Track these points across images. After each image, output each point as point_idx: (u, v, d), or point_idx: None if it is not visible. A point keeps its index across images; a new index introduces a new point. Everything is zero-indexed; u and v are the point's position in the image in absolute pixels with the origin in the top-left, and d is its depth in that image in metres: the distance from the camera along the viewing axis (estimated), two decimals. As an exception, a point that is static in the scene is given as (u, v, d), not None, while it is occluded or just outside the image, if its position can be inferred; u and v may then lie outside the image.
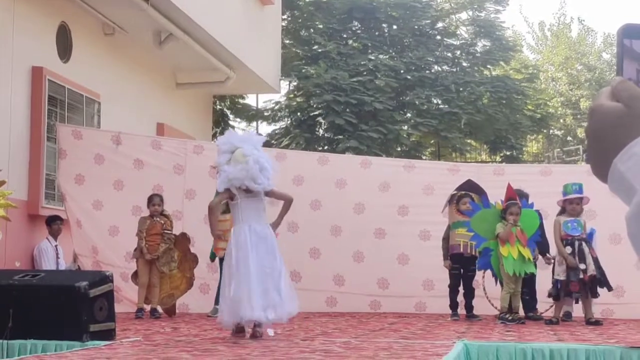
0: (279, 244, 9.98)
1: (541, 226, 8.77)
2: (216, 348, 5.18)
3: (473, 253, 8.68)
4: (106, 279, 6.23)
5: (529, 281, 8.86)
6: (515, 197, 8.33)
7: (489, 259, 8.37)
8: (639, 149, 1.05)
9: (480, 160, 22.79)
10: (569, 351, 5.61)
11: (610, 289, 8.20)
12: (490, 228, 8.27)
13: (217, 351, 4.97)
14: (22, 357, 5.09)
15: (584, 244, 8.12)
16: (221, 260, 9.18)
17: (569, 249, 8.09)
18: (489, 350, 5.64)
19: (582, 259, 8.04)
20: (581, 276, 7.99)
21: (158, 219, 9.17)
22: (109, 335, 6.03)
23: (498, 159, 22.04)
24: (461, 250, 8.66)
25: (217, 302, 9.21)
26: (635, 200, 1.03)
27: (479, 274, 9.06)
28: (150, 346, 5.39)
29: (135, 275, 9.25)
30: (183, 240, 9.39)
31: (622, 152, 1.07)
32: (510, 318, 8.10)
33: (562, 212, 8.42)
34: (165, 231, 9.15)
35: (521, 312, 8.77)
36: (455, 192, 9.05)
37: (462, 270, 8.85)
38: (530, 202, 8.79)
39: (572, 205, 8.31)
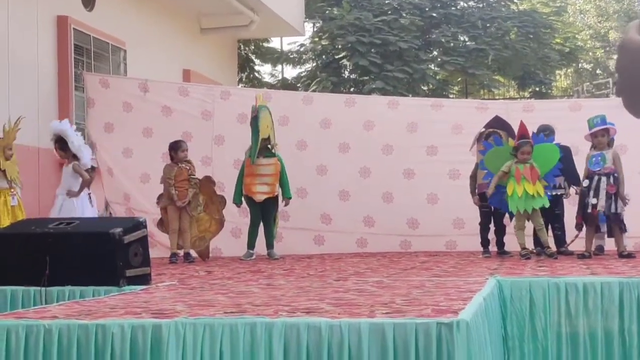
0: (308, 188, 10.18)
1: (569, 160, 8.72)
2: (251, 290, 5.25)
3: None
4: (140, 225, 6.31)
5: (559, 216, 8.85)
6: (528, 135, 8.24)
7: (502, 196, 8.32)
8: None
9: (508, 97, 22.55)
10: (603, 284, 5.61)
11: (623, 230, 8.15)
12: (502, 165, 8.21)
13: (251, 293, 5.04)
14: (61, 302, 5.19)
15: (603, 179, 8.04)
16: (255, 203, 9.29)
17: (586, 183, 8.12)
18: (522, 285, 5.65)
19: (597, 194, 8.00)
20: (589, 210, 7.98)
21: (183, 165, 9.22)
22: (144, 280, 6.13)
23: (527, 94, 21.82)
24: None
25: (249, 246, 9.32)
26: None
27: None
28: (186, 289, 5.48)
29: (161, 223, 9.33)
30: (207, 183, 9.44)
31: None
32: (523, 254, 8.10)
33: (594, 147, 8.36)
34: (191, 176, 9.21)
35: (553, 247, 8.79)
36: (483, 129, 8.97)
37: (492, 208, 8.81)
38: (554, 137, 8.72)
39: (597, 138, 8.23)
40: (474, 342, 3.66)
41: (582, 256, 8.10)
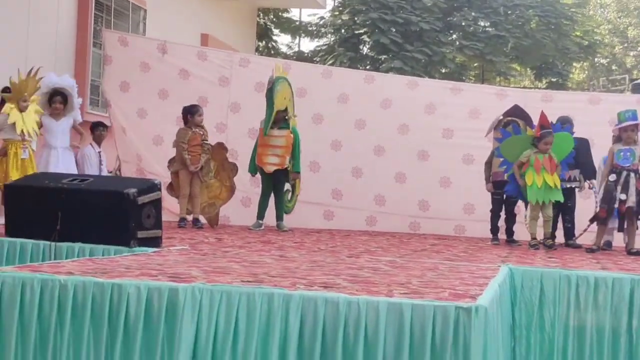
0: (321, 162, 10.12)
1: (586, 153, 8.67)
2: (264, 260, 5.24)
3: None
4: (154, 187, 6.29)
5: (570, 209, 8.81)
6: (548, 125, 8.16)
7: (518, 185, 8.26)
8: None
9: (523, 85, 22.44)
10: (614, 280, 5.58)
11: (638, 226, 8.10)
12: (519, 154, 8.12)
13: (265, 263, 5.02)
14: (75, 259, 5.18)
15: (632, 174, 7.94)
16: (266, 174, 9.26)
17: (613, 177, 7.95)
18: (534, 275, 5.64)
19: (625, 189, 7.89)
20: (616, 205, 7.87)
21: (197, 129, 9.17)
22: (155, 242, 6.12)
23: (542, 85, 21.70)
24: (505, 177, 8.56)
25: (259, 216, 9.30)
26: None
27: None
28: (198, 255, 5.46)
29: (170, 187, 9.30)
30: (219, 150, 9.41)
31: None
32: (533, 244, 8.07)
33: (618, 140, 8.24)
34: (204, 142, 9.17)
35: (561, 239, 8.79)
36: (501, 117, 8.91)
37: (504, 196, 8.77)
38: (572, 129, 8.66)
39: (627, 133, 8.07)
40: (491, 329, 3.65)
41: (590, 250, 8.07)
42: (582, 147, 8.66)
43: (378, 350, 3.54)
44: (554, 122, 8.45)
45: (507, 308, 5.26)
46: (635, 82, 19.98)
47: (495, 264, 5.94)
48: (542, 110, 8.29)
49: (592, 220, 8.43)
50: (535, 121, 8.63)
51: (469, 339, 3.48)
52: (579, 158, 8.49)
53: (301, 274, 4.44)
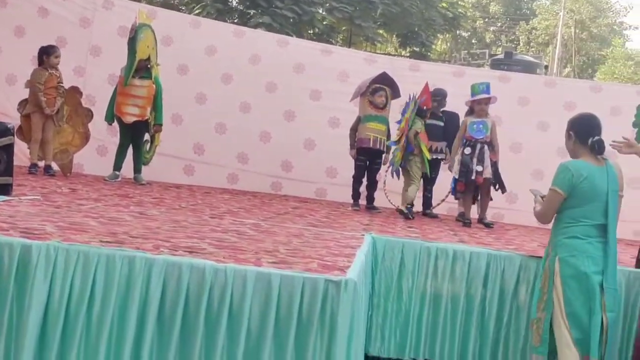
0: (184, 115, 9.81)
1: (455, 126, 8.78)
2: (123, 218, 4.98)
3: (381, 147, 8.61)
4: (7, 131, 5.91)
5: (434, 180, 8.95)
6: (429, 100, 8.22)
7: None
8: None
9: (387, 52, 22.70)
10: (472, 254, 5.71)
11: (504, 190, 8.21)
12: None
13: (124, 221, 4.77)
14: None
15: (485, 147, 8.01)
16: (125, 124, 8.87)
17: (468, 150, 8.01)
18: (395, 245, 5.68)
19: (481, 161, 7.98)
20: (473, 177, 7.95)
21: (54, 71, 8.67)
22: (5, 190, 5.74)
23: (406, 53, 22.03)
24: (370, 145, 8.56)
25: (116, 167, 8.94)
26: None
27: (382, 167, 9.03)
28: (51, 207, 5.14)
29: (20, 131, 8.75)
30: (73, 94, 8.92)
31: None
32: (404, 210, 8.18)
33: (470, 112, 8.31)
34: (60, 84, 8.69)
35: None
36: (369, 84, 8.84)
37: (367, 162, 8.78)
38: (446, 103, 8.77)
39: (479, 105, 8.14)
40: (357, 302, 3.60)
41: (467, 223, 8.13)
42: (452, 120, 8.76)
43: (243, 320, 3.43)
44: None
45: (369, 278, 5.26)
46: (495, 57, 20.62)
47: (358, 232, 5.93)
48: (427, 82, 8.31)
49: (454, 195, 8.54)
50: (403, 90, 8.69)
51: (336, 312, 3.43)
52: (448, 131, 8.56)
53: (164, 236, 4.24)
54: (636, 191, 9.21)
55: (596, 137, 4.93)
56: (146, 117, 8.84)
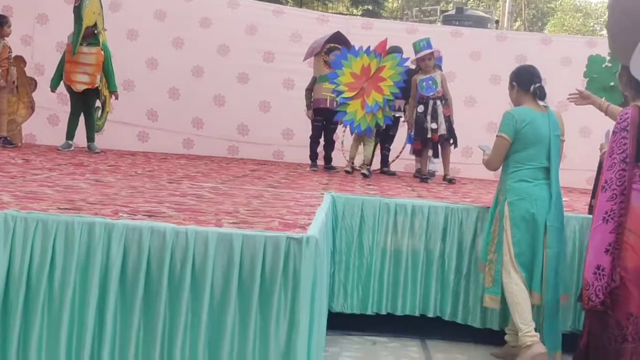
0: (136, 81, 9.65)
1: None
2: (79, 185, 4.92)
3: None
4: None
5: (392, 138, 8.98)
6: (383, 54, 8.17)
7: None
8: None
9: (338, 12, 22.57)
10: (430, 208, 5.77)
11: (456, 145, 8.25)
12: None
13: (80, 189, 4.72)
14: None
15: (438, 102, 8.01)
16: (75, 92, 8.73)
17: (421, 108, 8.00)
18: (355, 203, 5.71)
19: (435, 118, 7.99)
20: (429, 135, 7.97)
21: (5, 41, 8.48)
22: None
23: (358, 12, 21.94)
24: (327, 105, 8.53)
25: (68, 136, 8.82)
26: None
27: (340, 127, 9.02)
28: (5, 177, 5.05)
29: None
30: (18, 63, 8.77)
31: None
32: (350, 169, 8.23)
33: (418, 70, 8.31)
34: (10, 54, 8.52)
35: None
36: (324, 44, 8.78)
37: (324, 122, 8.77)
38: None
39: (424, 62, 8.10)
40: (319, 258, 3.61)
41: (424, 179, 8.18)
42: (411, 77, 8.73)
43: (206, 281, 3.43)
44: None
45: (330, 236, 5.29)
46: (446, 13, 20.63)
47: (317, 191, 5.94)
48: (385, 38, 8.23)
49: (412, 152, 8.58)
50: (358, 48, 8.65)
51: (299, 269, 3.44)
52: (408, 89, 8.55)
53: (122, 202, 4.21)
54: (587, 140, 9.38)
55: (537, 84, 5.19)
56: (96, 85, 8.72)
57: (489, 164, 5.30)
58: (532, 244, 5.05)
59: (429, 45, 8.15)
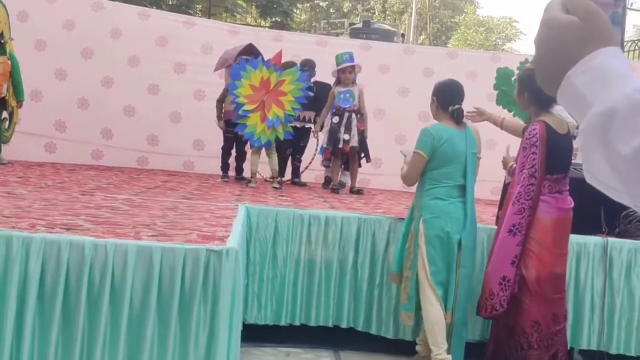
0: (44, 91, 9.47)
1: (326, 97, 8.90)
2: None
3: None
4: None
5: (303, 149, 9.09)
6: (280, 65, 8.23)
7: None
8: (596, 63, 1.05)
9: (246, 23, 22.63)
10: (343, 219, 5.88)
11: (368, 159, 8.41)
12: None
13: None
14: None
15: (353, 115, 8.16)
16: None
17: (336, 119, 8.14)
18: (269, 214, 5.76)
19: (349, 130, 8.14)
20: (340, 145, 8.10)
21: None
22: None
23: (266, 23, 22.03)
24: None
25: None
26: (592, 112, 1.03)
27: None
28: None
29: None
30: None
31: (577, 65, 1.06)
32: (247, 183, 8.27)
33: (338, 82, 8.46)
34: None
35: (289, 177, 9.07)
36: (237, 55, 8.79)
37: (236, 134, 8.77)
38: (313, 73, 8.79)
39: (344, 74, 8.27)
40: (239, 269, 3.67)
41: (335, 189, 8.29)
42: (323, 90, 8.86)
43: (125, 294, 3.44)
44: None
45: (244, 247, 5.34)
46: (353, 26, 20.92)
47: (231, 202, 5.98)
48: (281, 50, 8.31)
49: (323, 163, 8.68)
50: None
51: (219, 281, 3.48)
52: (318, 101, 8.65)
53: (37, 214, 4.16)
54: (493, 152, 9.70)
55: (456, 106, 5.19)
56: (3, 95, 8.55)
57: (405, 179, 5.27)
58: (447, 262, 5.08)
59: (352, 59, 8.31)
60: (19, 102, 8.74)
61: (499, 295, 4.88)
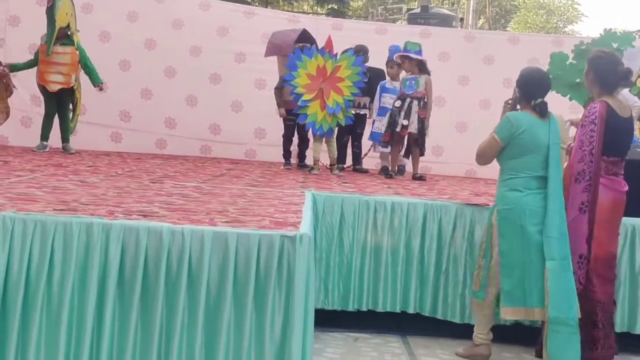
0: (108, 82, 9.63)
1: (379, 83, 8.91)
2: (65, 186, 4.96)
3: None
4: None
5: (360, 135, 9.10)
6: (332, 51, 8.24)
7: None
8: None
9: (302, 10, 22.67)
10: (409, 205, 5.86)
11: (422, 151, 8.39)
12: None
13: (69, 190, 4.76)
14: None
15: (415, 102, 8.18)
16: (50, 93, 8.72)
17: (398, 103, 8.20)
18: (335, 200, 5.79)
19: (408, 115, 8.16)
20: (398, 129, 8.14)
21: None
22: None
23: (322, 11, 22.03)
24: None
25: (43, 137, 8.81)
26: None
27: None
28: (-10, 180, 5.08)
29: None
30: None
31: None
32: (309, 170, 8.30)
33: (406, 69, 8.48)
34: None
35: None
36: (294, 44, 8.83)
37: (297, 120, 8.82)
38: (366, 58, 8.79)
39: (404, 64, 8.36)
40: (311, 255, 3.71)
41: (388, 175, 8.33)
42: (377, 76, 8.85)
43: (202, 279, 3.51)
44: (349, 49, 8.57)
45: (312, 233, 5.38)
46: (411, 11, 20.77)
47: (297, 189, 6.03)
48: (329, 35, 8.34)
49: (380, 144, 8.68)
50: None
51: (293, 266, 3.53)
52: (372, 87, 8.66)
53: (113, 202, 4.26)
54: (464, 135, 9.76)
55: (539, 100, 4.99)
56: (71, 85, 8.73)
57: (478, 157, 5.17)
58: (521, 257, 4.89)
59: (420, 52, 8.33)
60: (97, 85, 8.88)
61: (577, 274, 4.88)
